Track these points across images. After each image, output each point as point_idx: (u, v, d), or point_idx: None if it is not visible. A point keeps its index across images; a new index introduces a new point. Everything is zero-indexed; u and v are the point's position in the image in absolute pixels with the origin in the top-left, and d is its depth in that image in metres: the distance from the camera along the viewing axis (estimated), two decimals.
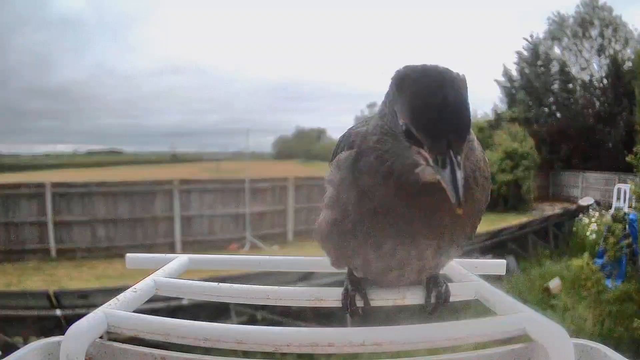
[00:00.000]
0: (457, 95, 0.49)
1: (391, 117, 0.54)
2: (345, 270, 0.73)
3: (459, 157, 0.48)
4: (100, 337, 0.58)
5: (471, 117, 0.50)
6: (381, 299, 0.70)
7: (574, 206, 12.83)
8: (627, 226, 6.97)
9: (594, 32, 19.51)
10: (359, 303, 0.70)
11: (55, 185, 10.29)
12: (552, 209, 14.75)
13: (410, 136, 0.51)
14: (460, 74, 0.51)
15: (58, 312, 4.95)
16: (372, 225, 0.60)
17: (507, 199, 16.27)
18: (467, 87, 0.51)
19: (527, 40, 20.84)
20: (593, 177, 16.89)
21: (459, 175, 0.47)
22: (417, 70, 0.51)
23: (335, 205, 0.64)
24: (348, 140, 0.65)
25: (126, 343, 0.62)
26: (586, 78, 20.15)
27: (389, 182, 0.56)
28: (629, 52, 18.80)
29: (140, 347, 0.61)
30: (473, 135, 0.58)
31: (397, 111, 0.52)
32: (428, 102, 0.49)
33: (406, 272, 0.65)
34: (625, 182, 8.39)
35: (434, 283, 0.71)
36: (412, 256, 0.62)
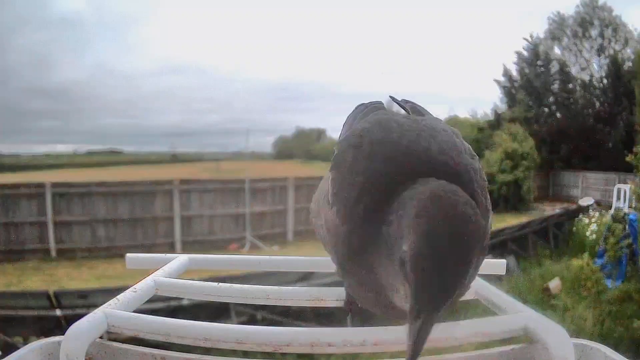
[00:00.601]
0: (464, 252, 0.42)
1: (396, 227, 0.45)
2: None
3: (440, 314, 0.42)
4: (100, 337, 0.58)
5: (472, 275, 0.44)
6: None
7: (574, 206, 12.84)
8: (627, 226, 6.98)
9: (594, 32, 19.52)
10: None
11: (55, 185, 10.29)
12: (552, 209, 14.75)
13: (403, 269, 0.44)
14: (475, 208, 0.44)
15: (58, 312, 4.96)
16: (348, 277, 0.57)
17: (507, 199, 16.28)
18: (481, 239, 0.44)
19: (527, 40, 20.85)
20: (593, 177, 16.89)
21: (430, 331, 0.42)
22: (437, 200, 0.43)
23: (325, 247, 0.61)
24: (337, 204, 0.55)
25: (126, 343, 0.62)
26: (586, 78, 20.16)
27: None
28: (629, 52, 18.81)
29: (140, 347, 0.61)
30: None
31: (405, 234, 0.44)
32: (432, 252, 0.42)
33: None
34: (625, 182, 8.40)
35: None
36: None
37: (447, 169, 0.50)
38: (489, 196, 0.55)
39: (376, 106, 0.67)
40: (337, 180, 0.55)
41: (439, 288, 0.41)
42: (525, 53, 20.96)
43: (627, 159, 6.51)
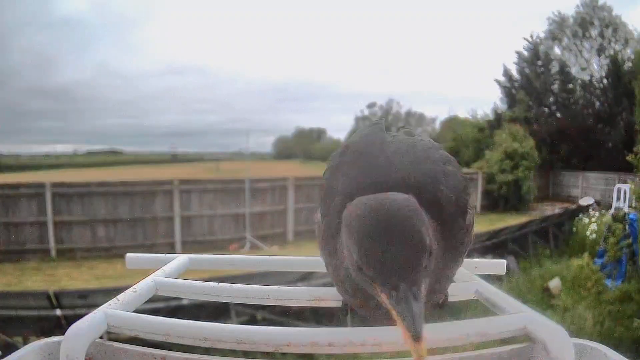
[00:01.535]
0: (402, 230, 0.46)
1: (348, 251, 0.51)
2: None
3: (414, 287, 0.45)
4: (100, 337, 0.58)
5: (424, 244, 0.47)
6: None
7: (574, 206, 12.83)
8: (627, 226, 6.98)
9: (594, 32, 19.52)
10: None
11: (55, 185, 10.28)
12: (552, 209, 14.75)
13: (364, 274, 0.48)
14: (409, 200, 0.49)
15: (58, 312, 4.95)
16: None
17: (507, 199, 16.28)
18: (417, 212, 0.48)
19: (527, 40, 20.88)
20: (593, 177, 16.90)
21: (416, 306, 0.44)
22: (362, 208, 0.49)
23: (319, 248, 0.65)
24: (323, 207, 0.62)
25: (126, 343, 0.62)
26: (586, 78, 20.18)
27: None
28: (629, 52, 18.82)
29: (140, 347, 0.61)
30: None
31: (350, 249, 0.50)
32: (373, 240, 0.47)
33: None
34: (625, 182, 8.39)
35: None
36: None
37: (410, 176, 0.57)
38: (466, 192, 0.62)
39: (376, 124, 0.73)
40: (324, 186, 0.63)
41: (395, 251, 0.45)
42: (525, 53, 21.00)
43: (627, 158, 6.50)
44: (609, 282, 6.60)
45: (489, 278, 0.77)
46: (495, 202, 16.31)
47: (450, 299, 0.71)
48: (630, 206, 7.40)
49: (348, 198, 0.53)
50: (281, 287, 0.71)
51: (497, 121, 19.52)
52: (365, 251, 0.47)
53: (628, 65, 18.48)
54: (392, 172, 0.57)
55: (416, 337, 0.42)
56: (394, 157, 0.60)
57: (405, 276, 0.45)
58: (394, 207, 0.49)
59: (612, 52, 19.15)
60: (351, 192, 0.54)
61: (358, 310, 0.61)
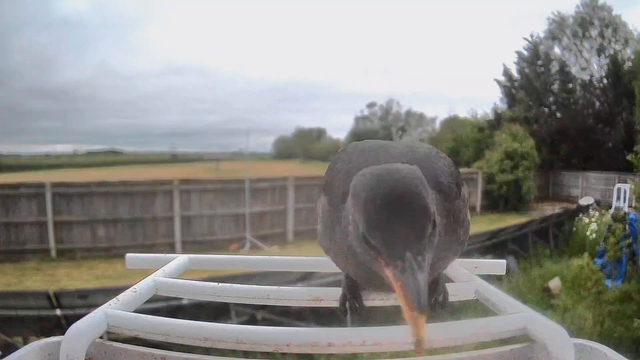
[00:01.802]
0: (409, 196, 0.47)
1: (353, 224, 0.51)
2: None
3: (419, 257, 0.45)
4: (100, 337, 0.58)
5: (429, 211, 0.47)
6: (381, 298, 0.70)
7: (574, 206, 12.83)
8: (627, 226, 6.98)
9: (594, 32, 19.53)
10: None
11: (55, 185, 10.28)
12: (552, 209, 14.75)
13: (369, 244, 0.48)
14: (414, 169, 0.50)
15: (58, 312, 4.95)
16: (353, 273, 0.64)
17: (507, 199, 16.28)
18: (422, 181, 0.49)
19: (527, 40, 20.89)
20: (593, 177, 16.90)
21: (420, 277, 0.43)
22: (369, 176, 0.50)
23: (322, 239, 0.67)
24: (329, 193, 0.63)
25: (126, 343, 0.62)
26: (586, 78, 20.18)
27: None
28: (629, 52, 18.83)
29: (140, 347, 0.61)
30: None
31: (356, 220, 0.50)
32: (379, 207, 0.47)
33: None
34: (625, 182, 8.39)
35: (433, 283, 0.71)
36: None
37: (410, 157, 0.61)
38: (458, 170, 0.67)
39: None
40: (329, 173, 0.67)
41: (402, 219, 0.46)
42: (525, 53, 21.00)
43: (628, 158, 6.50)
44: (609, 282, 6.60)
45: (489, 278, 0.77)
46: (495, 202, 16.31)
47: (450, 299, 0.71)
48: (630, 206, 7.39)
49: (347, 183, 0.54)
50: (281, 287, 0.71)
51: (497, 121, 19.53)
52: (371, 218, 0.47)
53: (628, 65, 18.48)
54: (392, 158, 0.60)
55: (420, 308, 0.42)
56: (393, 150, 0.64)
57: (411, 245, 0.45)
58: (401, 174, 0.49)
59: (612, 52, 19.16)
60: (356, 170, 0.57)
61: (362, 284, 0.66)
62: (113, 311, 0.59)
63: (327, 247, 0.66)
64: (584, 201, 12.77)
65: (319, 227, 0.67)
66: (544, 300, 6.36)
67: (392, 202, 0.46)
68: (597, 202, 12.23)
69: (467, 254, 0.82)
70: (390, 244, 0.46)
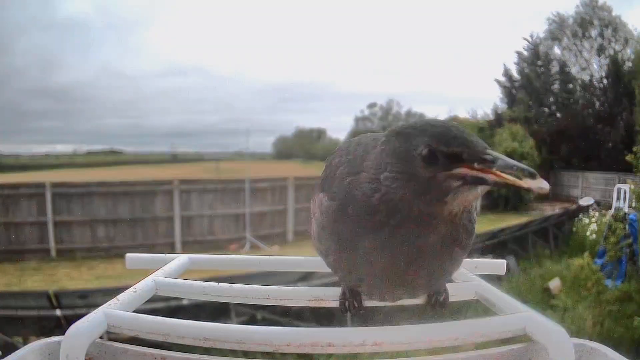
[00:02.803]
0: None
1: (397, 159, 0.53)
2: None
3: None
4: (100, 337, 0.58)
5: None
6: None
7: (574, 206, 12.83)
8: (627, 226, 6.98)
9: (594, 32, 19.52)
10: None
11: (55, 185, 10.29)
12: (552, 209, 14.75)
13: (434, 160, 0.51)
14: None
15: (58, 312, 4.95)
16: (353, 272, 0.61)
17: (507, 199, 16.27)
18: None
19: (527, 40, 20.87)
20: (593, 177, 16.89)
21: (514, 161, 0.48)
22: (412, 122, 0.56)
23: (320, 241, 0.64)
24: (329, 182, 0.63)
25: (126, 343, 0.62)
26: (586, 78, 20.17)
27: (388, 225, 0.54)
28: (629, 52, 18.82)
29: (140, 347, 0.61)
30: None
31: (410, 148, 0.52)
32: (448, 125, 0.52)
33: (399, 297, 0.65)
34: (625, 182, 8.38)
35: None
36: (400, 292, 0.62)
37: None
38: None
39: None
40: (324, 174, 0.66)
41: (472, 135, 0.51)
42: (525, 53, 20.99)
43: (627, 158, 6.50)
44: (609, 282, 6.60)
45: (489, 278, 0.77)
46: (495, 202, 16.30)
47: (451, 299, 0.71)
48: (630, 206, 7.39)
49: (353, 170, 0.58)
50: (281, 287, 0.71)
51: (497, 121, 19.52)
52: (443, 129, 0.52)
53: (628, 65, 18.48)
54: None
55: (532, 173, 0.47)
56: None
57: (487, 146, 0.50)
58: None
59: (612, 52, 19.15)
60: (362, 157, 0.59)
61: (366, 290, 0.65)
62: (113, 311, 0.59)
63: (327, 248, 0.63)
64: (583, 201, 12.76)
65: (314, 228, 0.65)
66: (544, 300, 6.36)
67: (451, 124, 0.53)
68: (597, 203, 12.22)
69: (467, 254, 0.82)
70: (472, 142, 0.50)
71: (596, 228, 9.05)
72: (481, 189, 0.50)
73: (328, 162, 0.67)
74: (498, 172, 0.48)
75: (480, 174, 0.49)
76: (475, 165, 0.49)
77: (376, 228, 0.54)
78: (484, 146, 0.50)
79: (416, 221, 0.52)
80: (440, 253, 0.56)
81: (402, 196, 0.52)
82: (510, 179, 0.47)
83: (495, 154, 0.49)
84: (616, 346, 0.58)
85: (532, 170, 0.47)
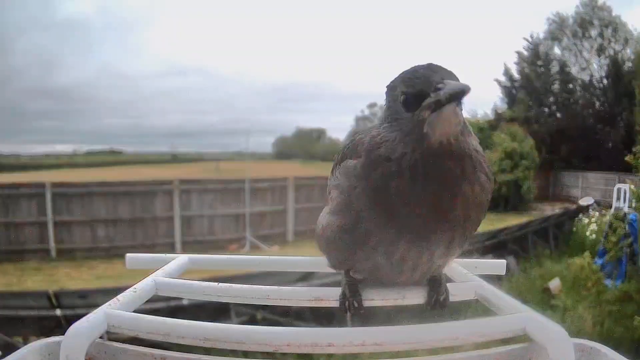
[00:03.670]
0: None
1: (391, 110, 0.62)
2: (342, 271, 0.73)
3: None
4: (100, 337, 0.58)
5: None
6: (381, 299, 0.70)
7: (574, 206, 12.83)
8: (627, 226, 6.97)
9: (593, 32, 19.52)
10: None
11: (55, 185, 10.29)
12: (552, 209, 14.75)
13: (409, 102, 0.59)
14: None
15: (58, 312, 4.95)
16: (387, 228, 0.62)
17: (507, 199, 16.26)
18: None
19: (527, 40, 20.87)
20: (593, 177, 16.89)
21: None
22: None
23: (346, 212, 0.65)
24: (353, 149, 0.68)
25: (126, 343, 0.62)
26: (586, 78, 20.18)
27: (403, 169, 0.59)
28: (629, 52, 18.82)
29: (140, 347, 0.61)
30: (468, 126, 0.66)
31: (396, 97, 0.61)
32: (416, 67, 0.60)
33: (414, 274, 0.67)
34: (625, 182, 8.38)
35: (435, 283, 0.71)
36: (423, 258, 0.64)
37: None
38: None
39: None
40: (342, 151, 0.72)
41: (435, 67, 0.59)
42: (525, 53, 20.98)
43: (627, 158, 6.49)
44: (609, 282, 6.59)
45: (489, 278, 0.77)
46: (495, 202, 16.30)
47: (451, 299, 0.71)
48: (630, 206, 7.39)
49: (367, 133, 0.67)
50: (281, 287, 0.71)
51: (497, 121, 19.51)
52: (410, 73, 0.59)
53: (628, 65, 18.47)
54: None
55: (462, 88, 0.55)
56: None
57: (446, 75, 0.57)
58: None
59: (612, 52, 19.15)
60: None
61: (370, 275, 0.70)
62: (113, 311, 0.59)
63: (358, 212, 0.64)
64: (583, 201, 12.76)
65: (328, 211, 0.70)
66: (544, 300, 6.35)
67: (426, 64, 0.59)
68: (597, 203, 12.22)
69: (467, 254, 0.83)
70: (430, 77, 0.57)
71: (596, 228, 9.04)
72: (449, 112, 0.56)
73: (348, 138, 0.76)
74: (442, 94, 0.55)
75: (435, 98, 0.56)
76: (431, 95, 0.56)
77: (397, 171, 0.60)
78: (441, 76, 0.57)
79: (422, 158, 0.58)
80: (463, 189, 0.60)
81: (395, 138, 0.60)
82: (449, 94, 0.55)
83: (449, 82, 0.56)
84: (616, 346, 0.58)
85: (457, 89, 0.55)
